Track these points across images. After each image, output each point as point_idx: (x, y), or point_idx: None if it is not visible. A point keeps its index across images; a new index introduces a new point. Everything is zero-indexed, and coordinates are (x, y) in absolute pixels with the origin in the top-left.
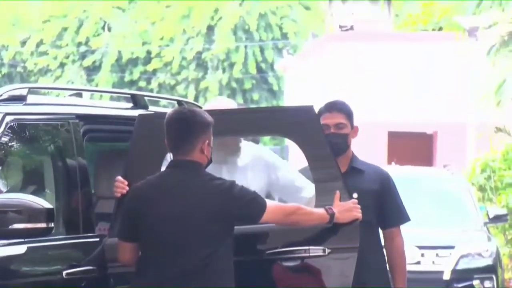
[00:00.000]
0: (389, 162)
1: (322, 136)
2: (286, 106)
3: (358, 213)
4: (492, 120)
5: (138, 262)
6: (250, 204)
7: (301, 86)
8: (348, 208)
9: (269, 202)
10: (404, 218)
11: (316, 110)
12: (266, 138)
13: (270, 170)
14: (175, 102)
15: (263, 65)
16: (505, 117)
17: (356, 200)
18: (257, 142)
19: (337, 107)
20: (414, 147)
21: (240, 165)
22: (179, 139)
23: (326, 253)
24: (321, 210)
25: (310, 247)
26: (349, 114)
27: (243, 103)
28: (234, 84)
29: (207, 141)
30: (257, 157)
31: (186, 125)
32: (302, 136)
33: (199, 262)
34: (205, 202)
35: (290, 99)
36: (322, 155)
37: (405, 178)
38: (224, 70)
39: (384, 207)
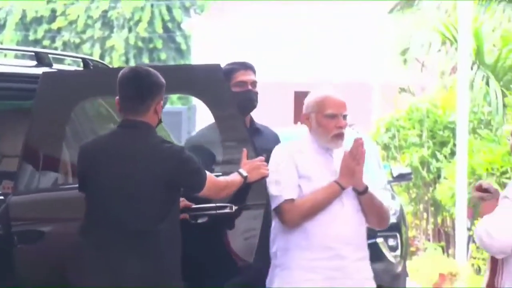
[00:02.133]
0: (296, 122)
1: (229, 95)
2: (193, 64)
3: (265, 171)
4: (397, 80)
5: (85, 218)
6: (196, 173)
7: (208, 46)
8: (255, 166)
9: (207, 175)
10: None
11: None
12: (174, 97)
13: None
14: (80, 60)
15: (170, 24)
16: (409, 77)
17: (263, 158)
18: (164, 101)
19: (250, 65)
20: None
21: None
22: (134, 99)
23: (233, 210)
24: (237, 176)
25: (218, 204)
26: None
27: (150, 63)
28: (140, 43)
29: (161, 102)
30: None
31: (141, 85)
32: (209, 94)
33: (146, 224)
34: (154, 164)
35: (198, 58)
36: (230, 114)
37: None
38: (130, 29)
39: None
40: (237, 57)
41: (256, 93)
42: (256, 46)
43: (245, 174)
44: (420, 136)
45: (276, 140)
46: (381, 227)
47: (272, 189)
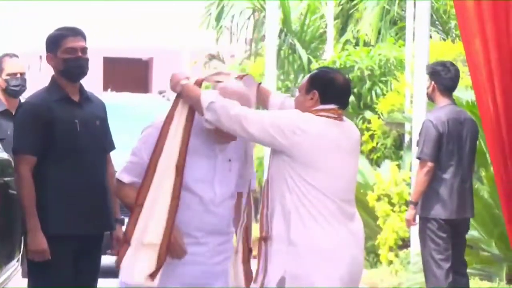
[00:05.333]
0: (105, 89)
1: None
2: None
3: None
4: (206, 46)
5: None
6: None
7: (12, 9)
8: None
9: None
10: (114, 145)
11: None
12: None
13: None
14: None
15: None
16: (219, 44)
17: None
18: None
19: (80, 31)
20: (130, 74)
21: None
22: None
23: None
24: None
25: None
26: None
27: None
28: None
29: None
30: None
31: None
32: None
33: None
34: None
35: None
36: None
37: (122, 105)
38: None
39: (108, 134)
40: (44, 23)
41: (87, 60)
42: (64, 12)
43: None
44: None
45: (103, 107)
46: None
47: None
